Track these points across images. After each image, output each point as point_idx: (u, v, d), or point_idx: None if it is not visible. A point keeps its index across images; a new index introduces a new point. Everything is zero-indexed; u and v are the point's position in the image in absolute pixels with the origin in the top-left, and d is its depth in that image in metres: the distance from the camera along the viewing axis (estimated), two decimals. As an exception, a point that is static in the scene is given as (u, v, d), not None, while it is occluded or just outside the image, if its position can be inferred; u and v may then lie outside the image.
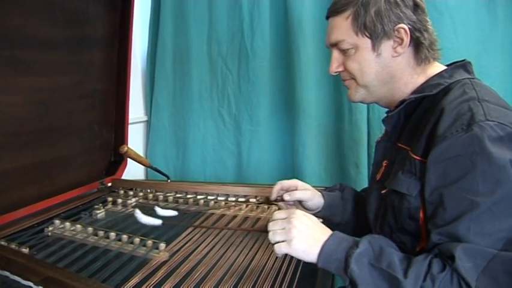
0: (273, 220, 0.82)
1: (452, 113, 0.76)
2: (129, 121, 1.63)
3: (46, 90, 1.26)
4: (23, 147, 1.20)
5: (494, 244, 0.68)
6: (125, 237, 1.05)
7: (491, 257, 0.67)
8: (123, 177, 1.61)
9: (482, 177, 0.69)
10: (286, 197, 1.06)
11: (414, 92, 0.89)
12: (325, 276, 0.89)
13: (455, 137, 0.73)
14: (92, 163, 1.53)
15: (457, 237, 0.70)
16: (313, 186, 1.12)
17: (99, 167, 1.58)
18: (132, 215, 1.25)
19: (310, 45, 1.70)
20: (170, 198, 1.38)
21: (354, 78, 0.92)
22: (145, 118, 2.02)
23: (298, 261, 0.92)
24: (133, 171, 1.71)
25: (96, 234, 1.08)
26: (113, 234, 1.06)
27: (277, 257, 0.95)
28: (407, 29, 0.85)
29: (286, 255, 0.94)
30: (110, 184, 1.54)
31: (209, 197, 1.40)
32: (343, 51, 0.91)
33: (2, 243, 1.02)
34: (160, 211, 1.20)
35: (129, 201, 1.36)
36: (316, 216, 1.04)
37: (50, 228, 1.13)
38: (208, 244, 1.04)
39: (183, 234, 1.09)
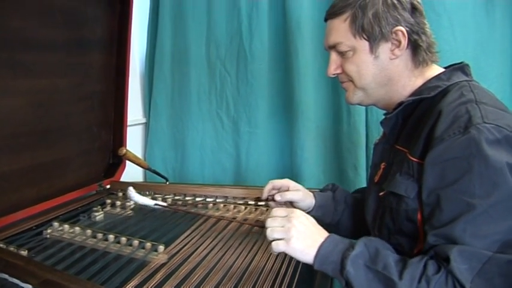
0: (272, 217, 0.83)
1: (450, 115, 0.76)
2: (128, 123, 1.63)
3: (45, 92, 1.26)
4: (21, 149, 1.19)
5: (489, 246, 0.68)
6: (123, 239, 1.05)
7: (487, 259, 0.67)
8: (122, 179, 1.61)
9: (479, 180, 0.70)
10: (278, 197, 1.06)
11: (412, 95, 0.89)
12: (323, 279, 0.89)
13: (452, 139, 0.73)
14: (91, 165, 1.53)
15: (453, 239, 0.70)
16: (311, 189, 1.12)
17: (98, 169, 1.57)
18: (130, 217, 1.26)
19: (308, 48, 1.70)
20: (169, 201, 1.38)
21: (351, 81, 0.92)
22: (143, 120, 2.02)
23: (297, 263, 0.93)
24: (131, 173, 1.71)
25: (94, 237, 1.08)
26: (111, 237, 1.06)
27: (276, 259, 0.95)
28: (405, 32, 0.85)
29: (284, 257, 0.95)
30: (108, 186, 1.54)
31: (208, 199, 1.40)
32: (341, 54, 0.91)
33: (1, 245, 1.02)
34: (135, 196, 1.26)
35: (127, 204, 1.36)
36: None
37: (49, 231, 1.13)
38: (207, 246, 1.04)
39: (182, 236, 1.10)
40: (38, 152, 1.26)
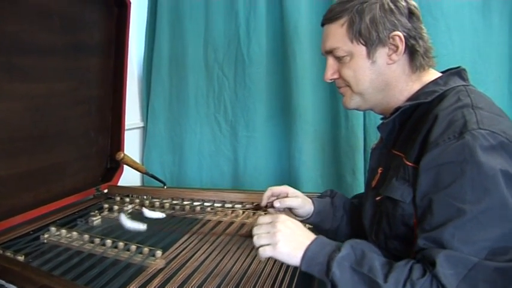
0: (257, 224, 0.83)
1: (445, 120, 0.76)
2: (126, 127, 1.63)
3: (42, 97, 1.26)
4: (18, 154, 1.19)
5: (477, 253, 0.67)
6: (121, 244, 1.04)
7: (473, 265, 0.66)
8: (119, 183, 1.61)
9: (471, 186, 0.69)
10: (277, 204, 1.06)
11: (409, 99, 0.89)
12: (321, 285, 0.88)
13: (447, 144, 0.73)
14: (88, 169, 1.52)
15: (441, 243, 0.70)
16: (309, 193, 1.12)
17: (95, 174, 1.57)
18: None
19: (306, 51, 1.70)
20: (166, 205, 1.38)
21: (349, 86, 0.92)
22: (141, 124, 2.02)
23: (295, 268, 0.92)
24: (129, 177, 1.71)
25: (92, 242, 1.08)
26: (109, 242, 1.06)
27: (274, 264, 0.95)
28: (402, 37, 0.85)
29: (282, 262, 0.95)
30: (106, 191, 1.54)
31: (205, 204, 1.40)
32: (338, 59, 0.91)
33: (-2, 250, 1.01)
34: (148, 213, 1.20)
35: (125, 208, 1.35)
36: (306, 223, 1.05)
37: (46, 236, 1.12)
38: (204, 251, 1.04)
39: (180, 241, 1.09)
40: (35, 156, 1.26)
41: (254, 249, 0.84)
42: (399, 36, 0.85)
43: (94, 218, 1.25)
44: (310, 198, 1.10)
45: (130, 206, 1.37)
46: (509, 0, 1.56)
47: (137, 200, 1.44)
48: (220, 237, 1.12)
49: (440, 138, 0.74)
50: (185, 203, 1.41)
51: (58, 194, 1.35)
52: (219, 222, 1.24)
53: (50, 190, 1.33)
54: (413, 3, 0.89)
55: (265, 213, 1.09)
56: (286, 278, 0.90)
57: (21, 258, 0.98)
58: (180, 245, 1.07)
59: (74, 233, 1.12)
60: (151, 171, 1.69)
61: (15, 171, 1.19)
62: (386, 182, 0.87)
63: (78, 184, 1.46)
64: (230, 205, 1.39)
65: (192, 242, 1.10)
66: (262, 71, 1.81)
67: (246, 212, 1.30)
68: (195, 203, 1.40)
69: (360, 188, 1.59)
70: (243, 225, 1.21)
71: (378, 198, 0.89)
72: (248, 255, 1.01)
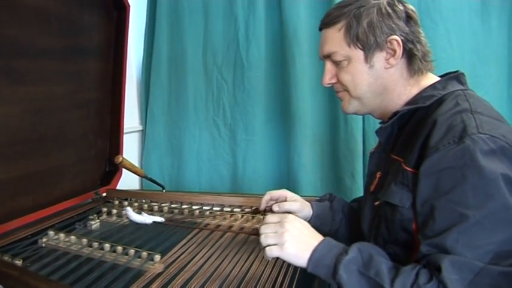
0: (265, 223, 0.83)
1: (444, 125, 0.76)
2: (124, 130, 1.63)
3: (41, 100, 1.25)
4: (16, 157, 1.19)
5: (482, 257, 0.68)
6: (119, 248, 1.04)
7: (478, 270, 0.67)
8: (118, 187, 1.60)
9: (473, 190, 0.70)
10: (275, 208, 1.06)
11: (407, 104, 0.89)
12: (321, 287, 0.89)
13: (447, 149, 0.73)
14: (87, 173, 1.52)
15: (445, 249, 0.70)
16: (308, 196, 1.12)
17: (94, 177, 1.57)
18: (127, 226, 1.25)
19: (305, 55, 1.70)
20: (165, 209, 1.37)
21: (347, 90, 0.92)
22: (140, 127, 2.02)
23: (294, 271, 0.92)
24: (128, 181, 1.71)
25: (90, 246, 1.07)
26: (107, 246, 1.05)
27: (273, 267, 0.95)
28: (400, 41, 0.85)
29: (282, 265, 0.95)
30: (104, 194, 1.53)
31: (204, 207, 1.40)
32: (336, 63, 0.91)
33: (-5, 255, 1.01)
34: (133, 216, 1.24)
35: (123, 212, 1.35)
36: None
37: (44, 240, 1.12)
38: (203, 255, 1.03)
39: (178, 245, 1.09)
40: (34, 159, 1.25)
41: (260, 248, 0.84)
42: (397, 40, 0.85)
43: (92, 222, 1.25)
44: (309, 201, 1.11)
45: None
46: (507, 3, 1.56)
47: (136, 204, 1.43)
48: (219, 241, 1.12)
49: (440, 143, 0.74)
50: (184, 206, 1.40)
51: (56, 198, 1.34)
52: (218, 225, 1.23)
53: (49, 194, 1.32)
54: (411, 7, 0.89)
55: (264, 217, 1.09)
56: (285, 281, 0.90)
57: (19, 262, 0.97)
58: (178, 249, 1.07)
59: (72, 237, 1.12)
60: (150, 175, 1.68)
61: (14, 174, 1.18)
62: (385, 186, 0.87)
63: (77, 187, 1.45)
64: (229, 209, 1.38)
65: (191, 246, 1.09)
66: (261, 74, 1.80)
67: (245, 216, 1.30)
68: (194, 207, 1.39)
69: (359, 192, 1.59)
70: (241, 228, 1.20)
71: (376, 203, 0.89)
72: (247, 258, 1.01)
